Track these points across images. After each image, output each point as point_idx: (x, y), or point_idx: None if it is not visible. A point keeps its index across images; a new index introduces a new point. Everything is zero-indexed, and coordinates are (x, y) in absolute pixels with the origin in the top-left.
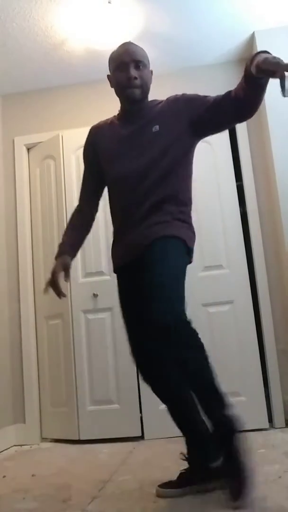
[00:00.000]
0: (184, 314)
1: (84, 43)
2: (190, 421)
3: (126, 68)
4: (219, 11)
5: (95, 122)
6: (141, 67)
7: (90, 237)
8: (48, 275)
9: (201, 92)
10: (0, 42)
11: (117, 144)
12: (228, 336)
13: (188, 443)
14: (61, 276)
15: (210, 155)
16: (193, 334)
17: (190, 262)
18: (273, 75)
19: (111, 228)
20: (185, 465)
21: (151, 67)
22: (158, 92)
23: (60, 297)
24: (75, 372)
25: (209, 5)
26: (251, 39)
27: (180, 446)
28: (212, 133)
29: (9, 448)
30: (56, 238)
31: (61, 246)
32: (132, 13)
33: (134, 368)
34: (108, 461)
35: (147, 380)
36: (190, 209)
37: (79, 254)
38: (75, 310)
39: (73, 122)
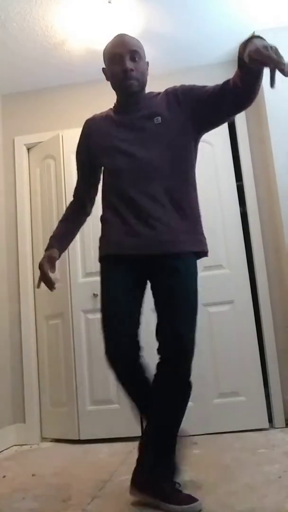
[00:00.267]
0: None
1: (84, 43)
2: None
3: (122, 60)
4: (219, 11)
5: None
6: (136, 58)
7: (90, 237)
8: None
9: None
10: (0, 42)
11: (117, 136)
12: (228, 336)
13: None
14: (47, 268)
15: (210, 155)
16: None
17: None
18: (265, 66)
19: None
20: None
21: (151, 67)
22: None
23: (51, 290)
24: (75, 372)
25: (209, 5)
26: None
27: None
28: (213, 125)
29: (9, 448)
30: None
31: (50, 239)
32: (132, 13)
33: None
34: (108, 461)
35: (124, 378)
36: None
37: (79, 255)
38: (75, 310)
39: (73, 122)
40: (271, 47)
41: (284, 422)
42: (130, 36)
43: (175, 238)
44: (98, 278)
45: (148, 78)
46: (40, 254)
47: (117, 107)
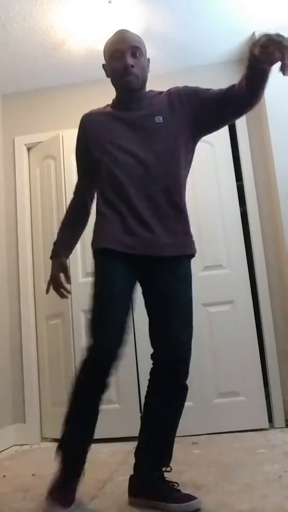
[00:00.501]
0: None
1: (84, 43)
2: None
3: (122, 56)
4: (219, 11)
5: None
6: (137, 54)
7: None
8: (48, 278)
9: None
10: (0, 42)
11: (117, 133)
12: (228, 336)
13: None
14: (63, 279)
15: (210, 155)
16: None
17: None
18: (280, 52)
19: None
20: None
21: (152, 66)
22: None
23: (62, 298)
24: (75, 372)
25: (210, 5)
26: (251, 39)
27: (179, 445)
28: (215, 128)
29: (9, 447)
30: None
31: (55, 245)
32: (132, 13)
33: (134, 368)
34: (108, 461)
35: (100, 377)
36: None
37: (79, 254)
38: (75, 310)
39: (73, 122)
40: (281, 35)
41: (284, 422)
42: (131, 32)
43: (175, 241)
44: None
45: (148, 78)
46: (40, 254)
47: (117, 104)
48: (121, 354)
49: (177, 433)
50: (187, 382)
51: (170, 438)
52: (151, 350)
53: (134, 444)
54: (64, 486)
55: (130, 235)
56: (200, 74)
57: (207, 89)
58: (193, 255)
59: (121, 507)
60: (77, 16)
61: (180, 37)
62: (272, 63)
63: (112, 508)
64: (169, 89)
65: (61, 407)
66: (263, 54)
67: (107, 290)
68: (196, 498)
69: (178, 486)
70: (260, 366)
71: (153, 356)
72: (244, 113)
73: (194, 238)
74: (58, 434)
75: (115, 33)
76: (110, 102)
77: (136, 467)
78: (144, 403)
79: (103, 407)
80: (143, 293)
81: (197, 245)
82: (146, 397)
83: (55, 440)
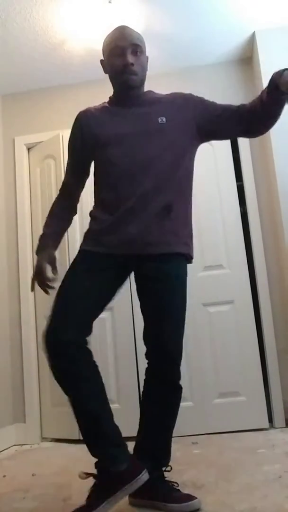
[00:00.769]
0: None
1: (84, 43)
2: (94, 411)
3: (123, 53)
4: (219, 11)
5: None
6: (138, 52)
7: None
8: (32, 271)
9: (201, 92)
10: (0, 42)
11: (115, 129)
12: (228, 336)
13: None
14: (49, 270)
15: (210, 155)
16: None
17: None
18: None
19: None
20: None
21: (151, 66)
22: (159, 92)
23: (48, 293)
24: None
25: (210, 5)
26: (252, 39)
27: (179, 445)
28: (216, 139)
29: (9, 447)
30: None
31: (43, 238)
32: (133, 13)
33: (134, 368)
34: None
35: (61, 368)
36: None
37: None
38: None
39: (73, 122)
40: None
41: (284, 422)
42: (131, 28)
43: (160, 240)
44: None
45: (149, 78)
46: None
47: (114, 101)
48: (82, 332)
49: (177, 433)
50: (184, 382)
51: (167, 438)
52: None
53: (134, 443)
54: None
55: (120, 234)
56: (200, 74)
57: (214, 102)
58: (182, 254)
59: (120, 507)
60: (77, 16)
61: (180, 37)
62: None
63: (112, 508)
64: (175, 93)
65: (61, 407)
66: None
67: (80, 279)
68: (196, 498)
69: (177, 486)
70: (260, 366)
71: (146, 356)
72: (255, 134)
73: (195, 238)
74: (58, 434)
75: (116, 28)
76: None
77: None
78: (140, 403)
79: None
80: (137, 293)
81: (197, 245)
82: (141, 396)
83: (55, 440)
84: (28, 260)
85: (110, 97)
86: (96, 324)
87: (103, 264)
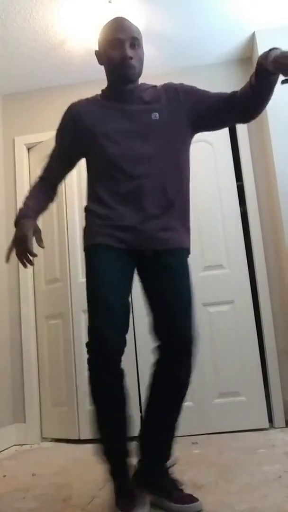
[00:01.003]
0: None
1: (84, 43)
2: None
3: (121, 46)
4: (219, 11)
5: None
6: (136, 45)
7: None
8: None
9: None
10: (0, 42)
11: (111, 124)
12: (228, 336)
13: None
14: (31, 240)
15: (210, 155)
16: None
17: None
18: None
19: None
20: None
21: (151, 66)
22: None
23: (31, 264)
24: (75, 372)
25: (210, 5)
26: (252, 39)
27: (179, 445)
28: (210, 130)
29: (9, 447)
30: (57, 238)
31: (24, 209)
32: (133, 13)
33: (134, 368)
34: None
35: (105, 374)
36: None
37: (79, 254)
38: (76, 310)
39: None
40: None
41: (284, 422)
42: (130, 21)
43: (168, 235)
44: None
45: (148, 78)
46: (41, 253)
47: (108, 94)
48: (123, 341)
49: (177, 433)
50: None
51: (170, 436)
52: (151, 350)
53: (134, 443)
54: (124, 489)
55: (123, 230)
56: (200, 74)
57: (205, 91)
58: (183, 248)
59: None
60: (77, 16)
61: (180, 37)
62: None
63: (112, 507)
64: (165, 84)
65: (61, 407)
66: (277, 66)
67: (99, 274)
68: (198, 500)
69: (180, 486)
70: (260, 366)
71: (159, 348)
72: (246, 119)
73: (195, 238)
74: (58, 434)
75: (114, 20)
76: None
77: (138, 464)
78: (145, 402)
79: None
80: (143, 289)
81: (197, 245)
82: (146, 397)
83: (55, 440)
84: None
85: (102, 90)
86: None
87: (121, 257)
